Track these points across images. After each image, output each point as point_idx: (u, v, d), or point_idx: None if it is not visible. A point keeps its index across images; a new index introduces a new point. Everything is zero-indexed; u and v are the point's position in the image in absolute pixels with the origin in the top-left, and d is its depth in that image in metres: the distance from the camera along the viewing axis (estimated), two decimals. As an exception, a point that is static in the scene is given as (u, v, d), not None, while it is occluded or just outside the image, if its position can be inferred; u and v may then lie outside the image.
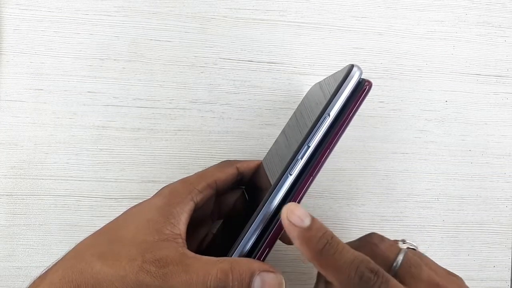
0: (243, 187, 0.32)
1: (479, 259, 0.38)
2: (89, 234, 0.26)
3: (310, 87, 0.33)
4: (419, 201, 0.38)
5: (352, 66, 0.24)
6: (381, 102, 0.37)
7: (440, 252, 0.38)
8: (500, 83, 0.39)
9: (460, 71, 0.38)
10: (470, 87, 0.38)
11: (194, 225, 0.29)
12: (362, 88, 0.24)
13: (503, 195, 0.39)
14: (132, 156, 0.35)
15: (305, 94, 0.34)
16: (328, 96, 0.24)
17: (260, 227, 0.24)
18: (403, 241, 0.27)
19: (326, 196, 0.37)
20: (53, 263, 0.24)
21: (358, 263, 0.21)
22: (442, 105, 0.38)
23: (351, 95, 0.24)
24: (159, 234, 0.23)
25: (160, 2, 0.36)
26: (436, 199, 0.38)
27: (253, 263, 0.22)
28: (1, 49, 0.34)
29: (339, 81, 0.24)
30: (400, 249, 0.25)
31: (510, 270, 0.38)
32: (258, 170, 0.30)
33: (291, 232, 0.22)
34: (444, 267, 0.27)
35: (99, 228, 0.26)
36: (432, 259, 0.27)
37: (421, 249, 0.37)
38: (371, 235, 0.27)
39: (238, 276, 0.22)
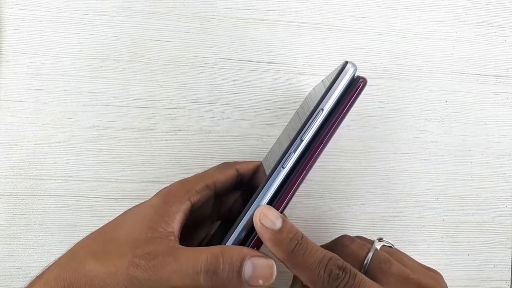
0: (243, 188, 0.32)
1: (479, 259, 0.38)
2: (87, 234, 0.26)
3: (310, 86, 0.33)
4: (419, 201, 0.38)
5: (346, 62, 0.24)
6: (381, 102, 0.37)
7: (440, 252, 0.38)
8: (500, 83, 0.39)
9: (460, 71, 0.38)
10: (470, 87, 0.38)
11: (193, 226, 0.30)
12: (356, 85, 0.24)
13: (503, 195, 0.39)
14: (132, 156, 0.35)
15: (305, 93, 0.34)
16: (323, 91, 0.25)
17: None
18: (380, 239, 0.28)
19: (326, 196, 0.37)
20: (51, 262, 0.24)
21: (326, 261, 0.22)
22: (442, 105, 0.38)
23: (345, 91, 0.24)
24: (152, 231, 0.23)
25: (160, 2, 0.36)
26: (436, 199, 0.38)
27: (244, 249, 0.23)
28: (1, 49, 0.34)
29: (334, 76, 0.24)
30: (369, 248, 0.26)
31: (510, 270, 0.38)
32: (257, 170, 0.30)
33: (263, 235, 0.23)
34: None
35: (98, 228, 0.26)
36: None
37: (421, 249, 0.37)
38: (342, 238, 0.28)
39: (228, 259, 0.22)
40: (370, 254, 0.25)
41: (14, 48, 0.34)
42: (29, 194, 0.34)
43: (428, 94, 0.38)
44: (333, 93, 0.24)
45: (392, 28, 0.38)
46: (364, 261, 0.25)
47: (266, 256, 0.23)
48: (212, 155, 0.36)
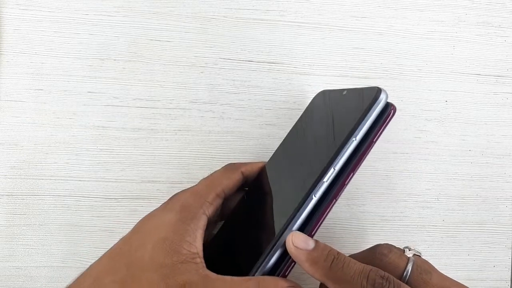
0: (246, 188, 0.32)
1: (479, 259, 0.38)
2: (103, 254, 0.25)
3: (310, 86, 0.33)
4: (419, 201, 0.38)
5: (380, 90, 0.24)
6: (381, 102, 0.37)
7: (440, 252, 0.38)
8: (500, 83, 0.39)
9: (460, 71, 0.38)
10: (470, 87, 0.38)
11: None
12: (388, 113, 0.25)
13: (503, 195, 0.39)
14: (132, 156, 0.35)
15: (305, 93, 0.34)
16: (353, 118, 0.24)
17: (283, 246, 0.24)
18: (408, 248, 0.27)
19: (326, 196, 0.37)
20: (69, 285, 0.24)
21: (367, 272, 0.22)
22: (442, 105, 0.38)
23: (377, 119, 0.24)
24: (177, 255, 0.23)
25: (160, 2, 0.36)
26: (436, 199, 0.38)
27: (279, 281, 0.23)
28: (1, 49, 0.34)
29: (367, 104, 0.24)
30: (409, 258, 0.26)
31: (510, 270, 0.38)
32: (260, 172, 0.30)
33: (299, 256, 0.23)
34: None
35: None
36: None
37: (421, 249, 0.37)
38: (379, 246, 0.28)
39: None
40: (410, 265, 0.25)
41: (14, 48, 0.34)
42: (29, 194, 0.34)
43: (428, 94, 0.38)
44: (366, 123, 0.24)
45: (392, 28, 0.38)
46: (404, 271, 0.25)
47: (299, 286, 0.23)
48: (212, 155, 0.36)
